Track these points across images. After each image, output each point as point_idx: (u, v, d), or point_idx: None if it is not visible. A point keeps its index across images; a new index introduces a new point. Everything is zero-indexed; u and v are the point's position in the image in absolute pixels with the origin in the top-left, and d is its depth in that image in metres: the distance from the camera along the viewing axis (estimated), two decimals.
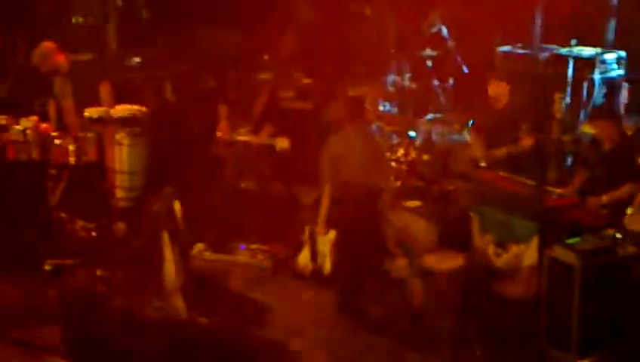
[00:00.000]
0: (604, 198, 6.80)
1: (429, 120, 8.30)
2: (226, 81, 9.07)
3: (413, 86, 9.07)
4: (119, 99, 8.34)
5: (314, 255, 7.78)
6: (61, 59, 8.27)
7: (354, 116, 7.55)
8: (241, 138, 8.29)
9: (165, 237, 6.85)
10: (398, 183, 8.06)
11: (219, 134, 8.35)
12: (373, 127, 8.32)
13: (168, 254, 6.83)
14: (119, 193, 8.07)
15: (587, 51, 8.61)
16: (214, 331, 6.46)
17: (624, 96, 8.51)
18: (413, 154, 8.05)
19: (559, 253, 6.48)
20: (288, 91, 9.48)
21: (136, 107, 8.28)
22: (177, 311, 6.74)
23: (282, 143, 8.33)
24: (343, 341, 7.00)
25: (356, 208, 7.33)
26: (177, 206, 6.92)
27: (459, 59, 9.21)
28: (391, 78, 9.52)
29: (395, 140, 8.27)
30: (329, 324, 7.23)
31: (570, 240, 6.54)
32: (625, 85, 8.53)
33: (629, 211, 6.33)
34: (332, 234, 7.59)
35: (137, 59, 10.02)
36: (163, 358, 6.03)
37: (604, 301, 6.37)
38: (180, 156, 8.99)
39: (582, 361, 6.34)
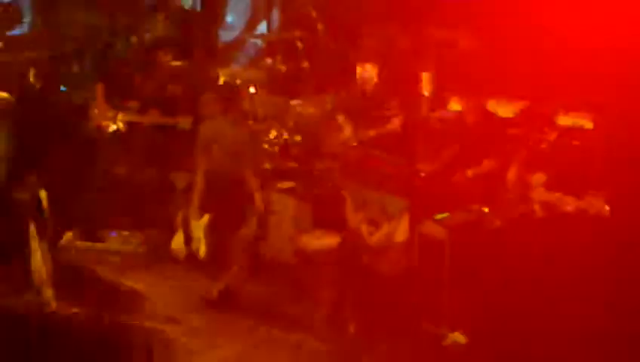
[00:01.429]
0: (470, 173, 6.98)
1: (300, 101, 8.31)
2: (100, 64, 8.86)
3: (284, 68, 9.07)
4: None
5: (188, 239, 7.71)
6: None
7: (225, 99, 7.50)
8: (126, 119, 8.14)
9: (31, 227, 6.66)
10: (271, 165, 8.05)
11: (95, 113, 8.15)
12: (245, 109, 8.27)
13: (35, 245, 6.64)
14: None
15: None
16: (86, 321, 6.33)
17: None
18: (285, 135, 8.05)
19: (429, 228, 6.62)
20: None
21: None
22: (46, 302, 6.57)
23: (185, 123, 8.19)
24: (220, 326, 6.98)
25: (228, 192, 7.30)
26: (43, 194, 6.72)
27: (328, 40, 9.25)
28: (261, 60, 9.50)
29: (267, 122, 8.24)
30: (205, 309, 7.19)
31: (440, 216, 6.69)
32: None
33: None
34: (205, 218, 7.54)
35: None
36: (33, 351, 5.89)
37: (473, 274, 6.55)
38: (47, 142, 8.74)
39: (453, 334, 6.50)
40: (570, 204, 6.09)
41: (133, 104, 8.33)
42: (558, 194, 6.13)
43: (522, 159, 6.41)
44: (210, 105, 7.77)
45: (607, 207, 6.06)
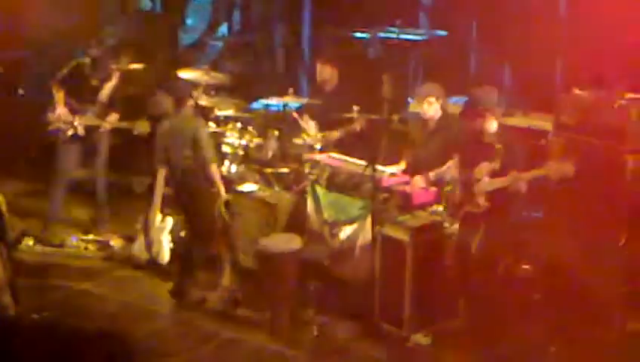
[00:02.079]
0: (432, 175, 6.98)
1: (263, 103, 8.29)
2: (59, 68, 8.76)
3: (245, 70, 9.05)
4: None
5: (149, 243, 7.65)
6: None
7: (184, 102, 7.42)
8: (85, 122, 8.07)
9: None
10: (233, 168, 8.01)
11: (54, 117, 8.07)
12: (205, 111, 8.22)
13: None
14: None
15: (411, 34, 8.90)
16: (45, 326, 6.25)
17: None
18: (246, 138, 8.02)
19: (390, 230, 6.62)
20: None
21: None
22: (5, 307, 6.49)
23: (142, 127, 8.13)
24: (183, 329, 6.93)
25: (191, 194, 7.26)
26: (1, 199, 6.64)
27: (290, 42, 9.27)
28: (223, 62, 9.47)
29: (228, 124, 8.20)
30: (166, 314, 7.15)
31: (401, 218, 6.70)
32: None
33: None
34: (167, 221, 7.49)
35: None
36: None
37: (434, 276, 6.57)
38: (5, 147, 8.67)
39: (415, 336, 6.50)
40: (525, 178, 6.16)
41: (93, 108, 8.26)
42: (507, 177, 6.20)
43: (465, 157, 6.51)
44: (163, 104, 7.71)
45: (573, 168, 6.04)
